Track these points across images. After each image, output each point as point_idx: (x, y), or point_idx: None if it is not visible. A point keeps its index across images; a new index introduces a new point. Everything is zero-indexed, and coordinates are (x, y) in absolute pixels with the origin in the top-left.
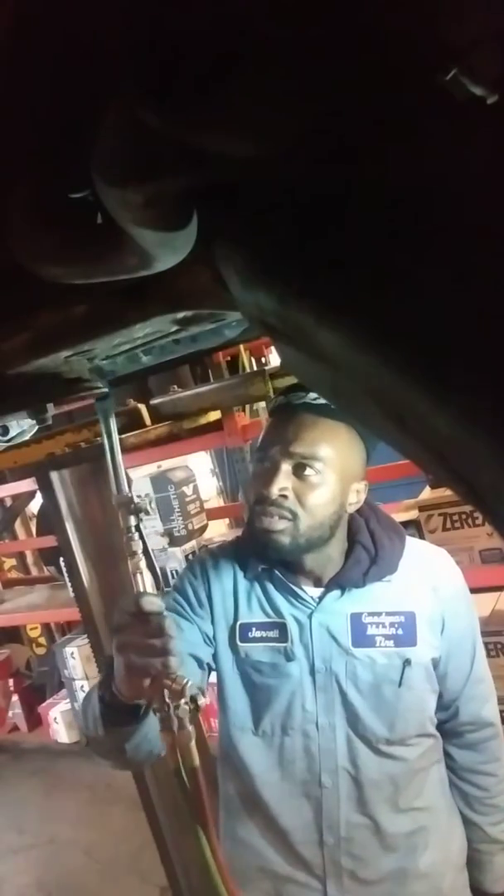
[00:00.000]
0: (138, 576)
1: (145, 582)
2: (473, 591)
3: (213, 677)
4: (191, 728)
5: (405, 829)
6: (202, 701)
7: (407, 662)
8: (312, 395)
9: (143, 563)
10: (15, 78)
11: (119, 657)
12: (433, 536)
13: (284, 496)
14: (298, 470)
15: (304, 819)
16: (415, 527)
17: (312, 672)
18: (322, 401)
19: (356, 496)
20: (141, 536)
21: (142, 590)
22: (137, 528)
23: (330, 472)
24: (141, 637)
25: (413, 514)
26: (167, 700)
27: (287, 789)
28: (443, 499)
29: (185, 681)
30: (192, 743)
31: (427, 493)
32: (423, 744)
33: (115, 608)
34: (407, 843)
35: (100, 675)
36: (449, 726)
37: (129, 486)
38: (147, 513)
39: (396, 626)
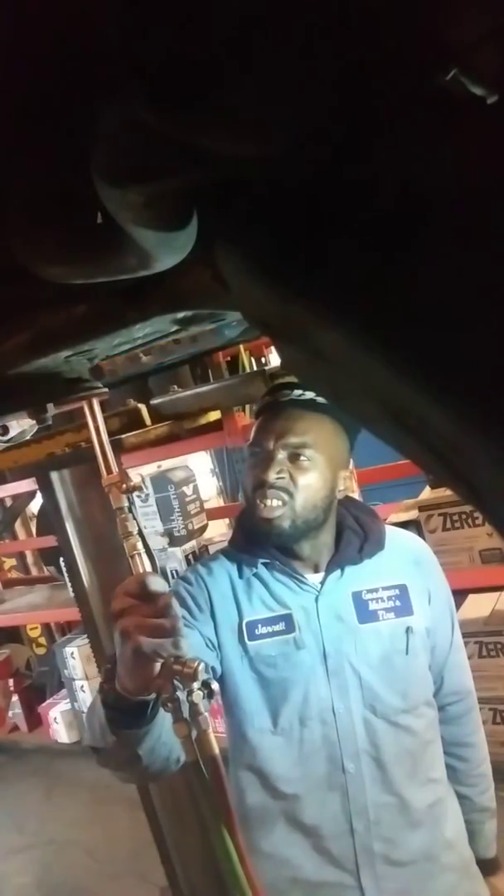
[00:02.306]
0: (136, 557)
1: (144, 563)
2: (473, 591)
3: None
4: (206, 714)
5: (428, 802)
6: (215, 685)
7: (409, 630)
8: (297, 391)
9: (139, 545)
10: (15, 78)
11: (125, 644)
12: (433, 536)
13: (281, 478)
14: (292, 458)
15: (331, 811)
16: (415, 527)
17: (324, 657)
18: (306, 396)
19: (343, 483)
20: (135, 518)
21: (142, 571)
22: (130, 509)
23: (320, 458)
24: (147, 618)
25: (413, 514)
26: (179, 687)
27: (311, 783)
28: (443, 499)
29: (196, 663)
30: (210, 730)
31: (427, 493)
32: (429, 714)
33: (115, 592)
34: (431, 816)
35: (101, 677)
36: (435, 700)
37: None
38: (141, 490)
39: (394, 598)
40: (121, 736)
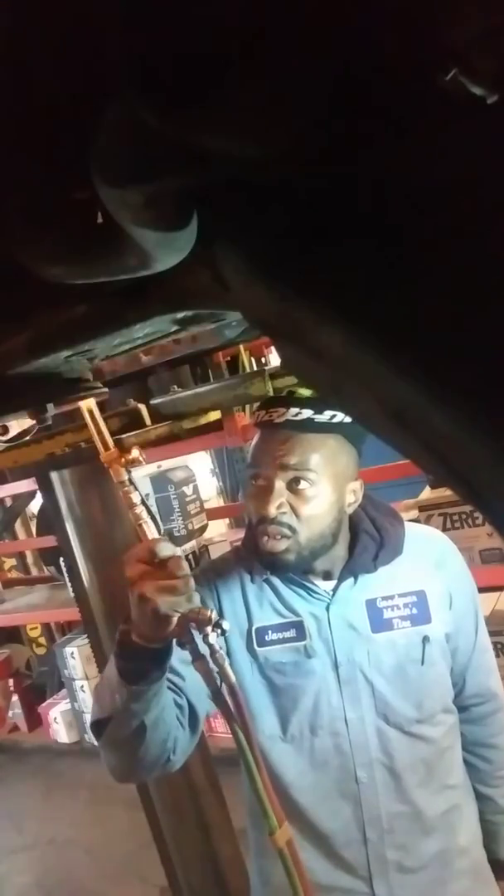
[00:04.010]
0: (143, 525)
1: (151, 530)
2: None
3: None
4: (222, 652)
5: (442, 809)
6: (226, 625)
7: (426, 639)
8: (293, 410)
9: (144, 513)
10: (15, 78)
11: (143, 607)
12: None
13: (283, 512)
14: (292, 485)
15: (344, 819)
16: None
17: (335, 666)
18: (302, 416)
19: (353, 496)
20: (136, 489)
21: (150, 537)
22: (131, 480)
23: (323, 482)
24: (162, 581)
25: (413, 514)
26: (196, 632)
27: (323, 792)
28: (443, 499)
29: (208, 610)
30: (227, 664)
31: (427, 493)
32: (447, 721)
33: (127, 559)
34: (445, 823)
35: (117, 633)
36: (457, 701)
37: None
38: (140, 463)
39: (410, 606)
40: (133, 693)
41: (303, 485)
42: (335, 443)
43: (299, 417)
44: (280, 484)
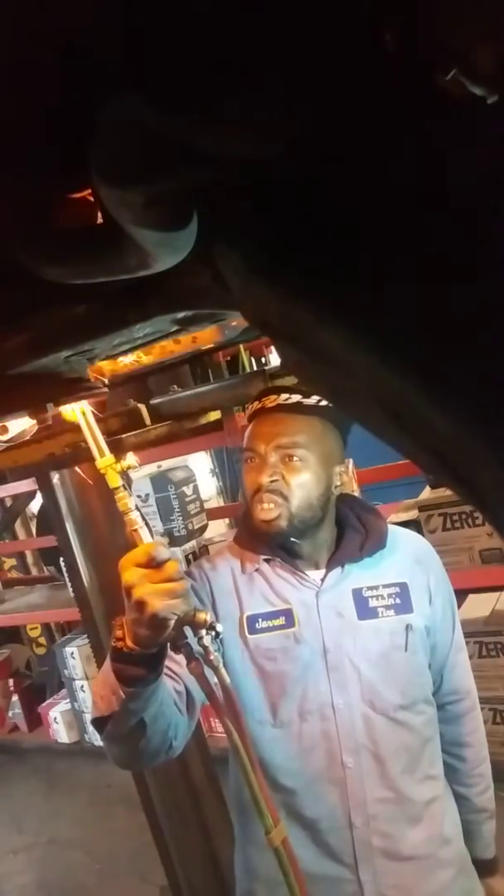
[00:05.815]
0: (139, 530)
1: (145, 535)
2: (473, 591)
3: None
4: (217, 654)
5: (426, 798)
6: (220, 627)
7: (409, 627)
8: (284, 395)
9: (139, 519)
10: (16, 79)
11: (142, 611)
12: (433, 536)
13: (275, 480)
14: (284, 459)
15: (329, 805)
16: (415, 527)
17: (324, 652)
18: (292, 400)
19: (339, 478)
20: (131, 494)
21: (145, 542)
22: (126, 486)
23: (312, 458)
24: (160, 584)
25: (413, 514)
26: (191, 635)
27: (310, 777)
28: (443, 499)
29: (203, 612)
30: (221, 666)
31: (427, 493)
32: (428, 712)
33: (123, 563)
34: (429, 812)
35: (112, 638)
36: (434, 699)
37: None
38: (135, 467)
39: (394, 596)
40: (129, 695)
41: (294, 459)
42: (322, 425)
43: (289, 401)
44: (273, 459)
